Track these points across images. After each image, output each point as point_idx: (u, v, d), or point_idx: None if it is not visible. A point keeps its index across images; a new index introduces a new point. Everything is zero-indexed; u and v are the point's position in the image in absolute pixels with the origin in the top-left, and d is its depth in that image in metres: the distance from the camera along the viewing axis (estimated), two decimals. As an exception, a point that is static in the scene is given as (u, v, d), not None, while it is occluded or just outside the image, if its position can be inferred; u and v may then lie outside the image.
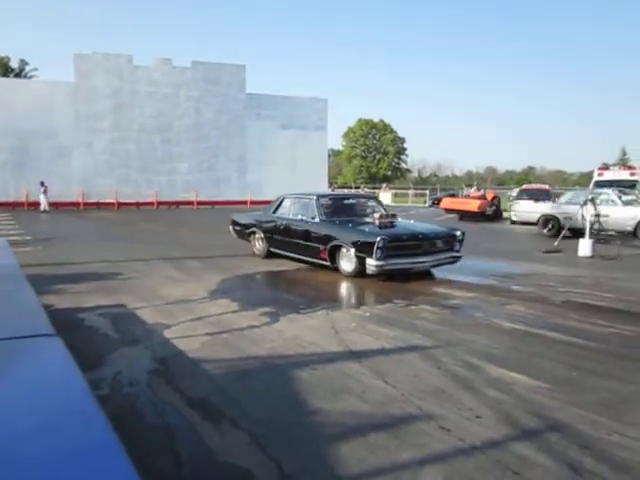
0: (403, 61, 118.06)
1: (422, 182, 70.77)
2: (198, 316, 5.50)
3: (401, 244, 7.59)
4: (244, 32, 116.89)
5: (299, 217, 8.88)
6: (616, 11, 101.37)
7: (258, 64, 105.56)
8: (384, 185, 43.89)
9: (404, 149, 75.70)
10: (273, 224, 9.42)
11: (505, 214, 22.76)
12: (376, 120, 73.87)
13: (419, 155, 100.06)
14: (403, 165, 77.78)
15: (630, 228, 13.76)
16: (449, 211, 21.84)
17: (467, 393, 3.51)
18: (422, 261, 7.74)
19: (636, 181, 19.78)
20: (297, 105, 35.06)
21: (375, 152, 74.09)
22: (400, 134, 73.88)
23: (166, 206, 29.70)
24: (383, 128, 73.56)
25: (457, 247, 8.28)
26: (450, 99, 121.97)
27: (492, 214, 21.31)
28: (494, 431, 2.95)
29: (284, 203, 9.56)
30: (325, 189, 34.64)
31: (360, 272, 7.58)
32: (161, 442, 2.88)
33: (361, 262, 7.48)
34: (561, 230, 14.18)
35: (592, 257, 10.41)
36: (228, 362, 4.14)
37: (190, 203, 30.29)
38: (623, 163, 30.31)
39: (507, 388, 3.60)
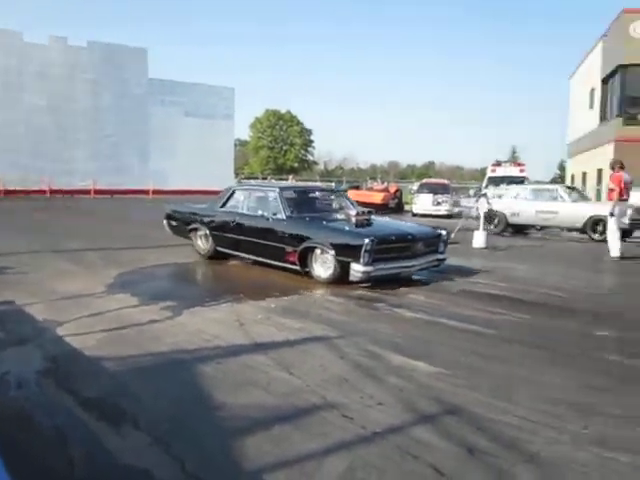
0: (310, 54, 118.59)
1: (328, 174, 71.77)
2: (95, 312, 5.21)
3: (389, 246, 6.76)
4: (146, 16, 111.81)
5: (258, 213, 7.74)
6: (514, 14, 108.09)
7: (164, 49, 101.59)
8: (291, 176, 43.82)
9: (311, 141, 76.26)
10: (222, 220, 8.25)
11: (407, 206, 23.68)
12: (283, 111, 73.79)
13: (326, 148, 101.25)
14: (310, 157, 78.36)
15: (579, 225, 13.54)
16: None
17: (370, 381, 3.60)
18: (410, 265, 6.97)
19: (525, 177, 21.31)
20: (203, 93, 34.25)
21: (282, 143, 73.99)
22: (307, 126, 74.38)
23: (60, 195, 27.90)
24: (290, 120, 73.61)
25: (442, 248, 7.59)
26: (356, 94, 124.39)
27: (395, 206, 22.07)
28: (395, 417, 3.04)
29: (235, 196, 8.44)
30: (232, 180, 34.15)
31: (339, 279, 6.67)
32: (53, 445, 2.70)
33: (343, 267, 6.56)
34: (508, 226, 14.68)
35: (486, 248, 11.07)
36: (128, 359, 3.95)
37: (87, 192, 28.64)
38: (513, 160, 32.49)
39: (408, 375, 3.73)
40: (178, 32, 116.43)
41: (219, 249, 8.35)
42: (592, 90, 28.41)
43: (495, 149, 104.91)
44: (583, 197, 14.15)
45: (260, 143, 73.06)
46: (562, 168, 51.37)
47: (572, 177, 33.19)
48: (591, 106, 28.66)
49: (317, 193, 8.83)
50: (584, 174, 29.45)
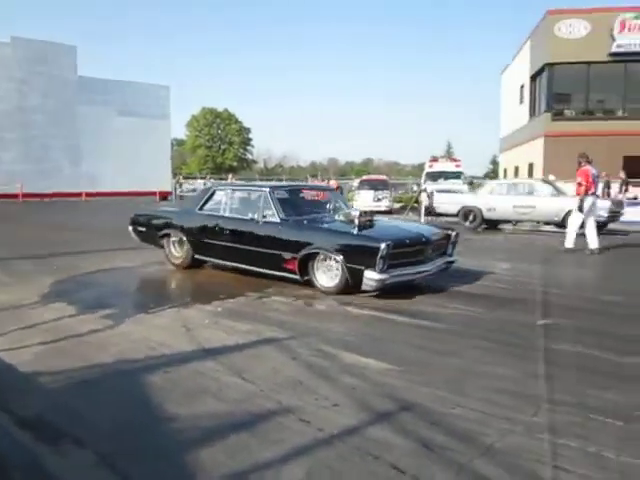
0: (247, 51, 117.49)
1: (268, 173, 71.42)
2: (30, 324, 4.90)
3: (403, 250, 6.05)
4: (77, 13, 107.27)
5: (246, 215, 6.94)
6: (449, 8, 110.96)
7: (97, 48, 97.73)
8: (230, 175, 43.31)
9: (250, 139, 75.61)
10: (202, 224, 7.40)
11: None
12: (220, 109, 72.74)
13: (265, 146, 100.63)
14: (249, 155, 77.71)
15: (558, 219, 13.42)
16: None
17: (323, 382, 3.55)
18: (423, 270, 6.28)
19: (461, 172, 21.93)
20: (137, 91, 33.18)
21: (220, 142, 72.96)
22: (245, 124, 73.66)
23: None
24: (228, 118, 72.66)
25: (450, 250, 6.99)
26: (294, 91, 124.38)
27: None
28: (351, 418, 3.01)
29: (216, 197, 7.57)
30: (169, 180, 33.34)
31: (346, 288, 6.02)
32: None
33: (354, 275, 5.87)
34: (483, 222, 14.54)
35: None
36: (68, 373, 3.73)
37: (14, 196, 27.17)
38: (449, 156, 33.40)
39: (361, 373, 3.72)
40: (111, 30, 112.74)
41: (198, 257, 7.55)
42: (522, 86, 29.62)
43: (431, 145, 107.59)
44: (560, 191, 14.20)
45: (197, 142, 71.74)
46: (495, 162, 53.26)
47: (505, 171, 34.49)
48: (521, 102, 29.88)
49: (309, 192, 7.89)
50: (516, 168, 30.67)
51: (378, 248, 5.67)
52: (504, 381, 3.62)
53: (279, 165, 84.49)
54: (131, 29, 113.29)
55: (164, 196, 30.74)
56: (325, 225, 6.76)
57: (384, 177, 26.92)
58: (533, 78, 27.20)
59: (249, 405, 3.18)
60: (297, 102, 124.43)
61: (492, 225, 15.19)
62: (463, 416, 3.05)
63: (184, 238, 7.58)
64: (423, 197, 12.28)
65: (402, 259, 6.02)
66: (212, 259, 7.50)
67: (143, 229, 8.33)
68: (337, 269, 6.07)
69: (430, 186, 19.12)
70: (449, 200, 16.02)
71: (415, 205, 16.84)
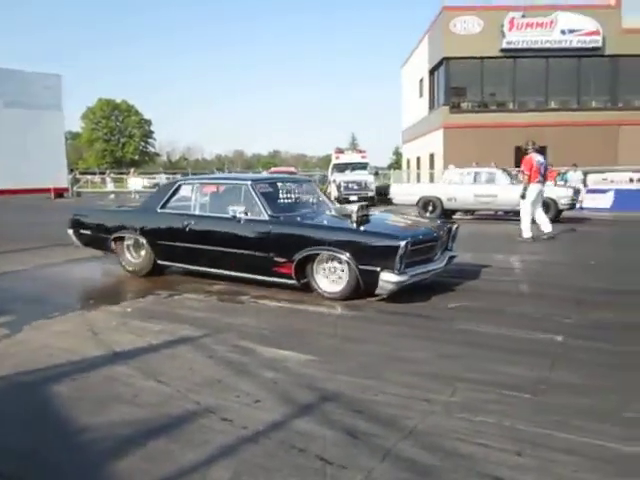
0: (146, 40, 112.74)
1: (172, 166, 69.30)
2: None
3: (417, 248, 5.46)
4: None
5: (225, 213, 6.00)
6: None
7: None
8: (132, 170, 41.57)
9: (151, 132, 72.89)
10: (166, 225, 6.54)
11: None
12: (119, 101, 69.44)
13: (168, 138, 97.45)
14: (151, 149, 74.95)
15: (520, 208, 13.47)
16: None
17: (243, 379, 3.48)
18: (434, 268, 5.79)
19: (367, 163, 22.44)
20: (23, 81, 30.64)
21: (119, 135, 69.77)
22: (146, 116, 70.88)
23: None
24: (127, 110, 69.55)
25: (450, 244, 6.44)
26: (196, 82, 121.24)
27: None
28: (275, 413, 2.97)
29: (182, 192, 6.71)
30: (65, 176, 31.35)
31: (354, 292, 5.38)
32: None
33: (367, 277, 5.21)
34: (444, 211, 14.19)
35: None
36: (-42, 389, 3.39)
37: None
38: (354, 147, 34.05)
39: (281, 367, 3.68)
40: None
41: (162, 262, 6.64)
42: (421, 80, 30.74)
43: (336, 137, 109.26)
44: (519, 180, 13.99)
45: (94, 135, 68.12)
46: (398, 154, 55.07)
47: (408, 162, 35.76)
48: (421, 95, 31.03)
49: (291, 184, 6.86)
50: (418, 159, 31.88)
51: (397, 247, 5.10)
52: (418, 364, 3.72)
53: (183, 158, 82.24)
54: (25, 17, 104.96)
55: (59, 193, 28.88)
56: (325, 222, 6.03)
57: (292, 169, 27.00)
58: (431, 72, 28.32)
59: (167, 408, 3.04)
60: (202, 94, 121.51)
61: (448, 215, 14.65)
62: (384, 401, 3.10)
63: (143, 241, 6.63)
64: (332, 188, 12.41)
65: (414, 257, 5.44)
66: (179, 264, 6.64)
67: (87, 232, 7.25)
68: (343, 271, 5.41)
69: (338, 177, 19.44)
70: (407, 191, 15.76)
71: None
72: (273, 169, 27.05)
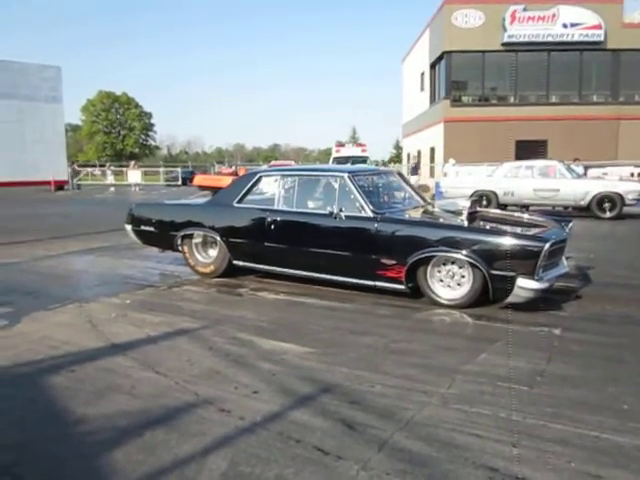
0: (146, 33, 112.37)
1: (172, 159, 69.22)
2: None
3: (553, 250, 4.81)
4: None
5: (319, 209, 5.58)
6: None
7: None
8: (132, 163, 41.54)
9: (152, 125, 72.74)
10: (246, 221, 5.92)
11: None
12: (119, 93, 69.25)
13: (168, 131, 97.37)
14: (151, 142, 74.81)
15: (584, 203, 12.94)
16: (203, 188, 21.78)
17: (242, 370, 3.49)
18: (560, 273, 5.15)
19: (367, 157, 22.43)
20: (21, 72, 30.49)
21: (120, 128, 69.66)
22: (146, 109, 70.73)
23: None
24: (127, 102, 69.38)
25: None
26: (197, 75, 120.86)
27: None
28: (273, 404, 2.98)
29: (262, 186, 6.17)
30: (65, 168, 31.28)
31: (476, 299, 4.85)
32: None
33: (498, 284, 4.64)
34: (499, 206, 12.98)
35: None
36: (-43, 380, 3.40)
37: None
38: (354, 141, 34.02)
39: (279, 359, 3.69)
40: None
41: (238, 263, 6.04)
42: (422, 73, 30.63)
43: (336, 130, 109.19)
44: (579, 175, 13.64)
45: (95, 128, 68.00)
46: (398, 147, 54.95)
47: (408, 156, 35.67)
48: (422, 88, 30.93)
49: (382, 177, 6.34)
50: (419, 152, 31.81)
51: (540, 250, 4.55)
52: (415, 356, 3.73)
53: (184, 151, 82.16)
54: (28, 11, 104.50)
55: (59, 185, 28.85)
56: (442, 221, 5.44)
57: (292, 162, 26.94)
58: (432, 66, 28.21)
59: (165, 399, 3.05)
60: (203, 88, 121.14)
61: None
62: (382, 393, 3.11)
63: (217, 239, 6.08)
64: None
65: (547, 261, 4.78)
66: (260, 265, 5.95)
67: (150, 228, 6.61)
68: (464, 276, 4.89)
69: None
70: (460, 184, 14.79)
71: None
72: (273, 163, 27.02)
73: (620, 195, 12.77)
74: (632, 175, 19.16)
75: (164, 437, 2.62)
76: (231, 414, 2.85)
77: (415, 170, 24.43)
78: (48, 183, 27.79)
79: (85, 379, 3.37)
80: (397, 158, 54.75)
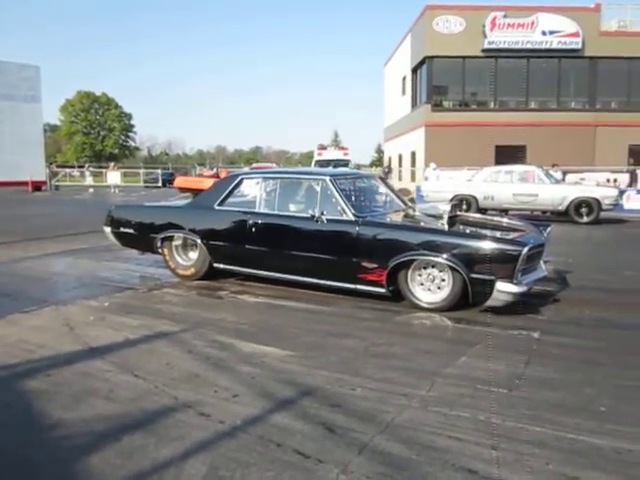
0: (128, 34, 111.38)
1: (152, 161, 68.62)
2: None
3: (531, 254, 4.86)
4: None
5: (300, 212, 5.57)
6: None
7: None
8: (112, 164, 41.08)
9: (132, 126, 72.07)
10: (227, 223, 5.91)
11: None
12: (98, 93, 68.47)
13: (148, 132, 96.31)
14: (131, 143, 74.09)
15: (562, 208, 13.13)
16: (183, 190, 21.63)
17: (222, 373, 3.47)
18: (538, 278, 5.22)
19: (349, 160, 22.50)
20: (1, 71, 30.06)
21: (99, 128, 68.87)
22: (127, 110, 70.04)
23: None
24: (107, 102, 68.66)
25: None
26: (178, 77, 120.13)
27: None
28: (253, 407, 2.96)
29: (243, 188, 6.13)
30: (43, 169, 30.81)
31: (456, 303, 4.88)
32: None
33: (478, 287, 4.67)
34: (479, 211, 13.14)
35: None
36: None
37: None
38: (337, 144, 34.09)
39: (259, 362, 3.67)
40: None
41: (218, 266, 5.99)
42: (404, 78, 30.82)
43: (318, 134, 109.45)
44: (558, 180, 13.77)
45: (74, 128, 67.13)
46: (380, 151, 55.23)
47: (389, 159, 35.86)
48: (403, 93, 31.12)
49: (363, 181, 6.33)
50: (400, 156, 32.00)
51: (519, 254, 4.62)
52: (395, 359, 3.75)
53: (164, 153, 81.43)
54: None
55: (37, 186, 28.41)
56: (424, 224, 5.40)
57: (274, 165, 26.91)
58: (414, 70, 28.42)
59: (144, 403, 3.02)
60: (184, 90, 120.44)
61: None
62: (362, 396, 3.11)
63: (198, 242, 6.01)
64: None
65: (527, 265, 4.87)
66: (240, 268, 5.93)
67: (130, 230, 6.54)
68: (444, 280, 4.92)
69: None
70: (441, 188, 14.87)
71: None
72: (255, 165, 26.94)
73: (597, 200, 12.98)
74: (608, 181, 19.51)
75: (142, 441, 2.59)
76: (211, 418, 2.83)
77: (386, 175, 24.63)
78: (25, 184, 27.37)
79: (62, 383, 3.31)
80: (378, 162, 55.02)
